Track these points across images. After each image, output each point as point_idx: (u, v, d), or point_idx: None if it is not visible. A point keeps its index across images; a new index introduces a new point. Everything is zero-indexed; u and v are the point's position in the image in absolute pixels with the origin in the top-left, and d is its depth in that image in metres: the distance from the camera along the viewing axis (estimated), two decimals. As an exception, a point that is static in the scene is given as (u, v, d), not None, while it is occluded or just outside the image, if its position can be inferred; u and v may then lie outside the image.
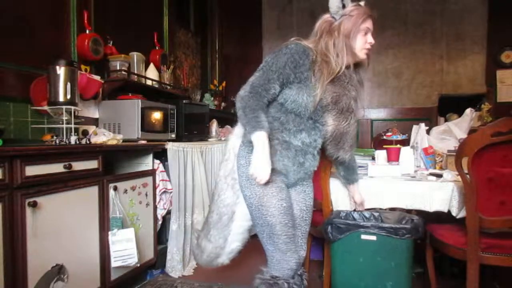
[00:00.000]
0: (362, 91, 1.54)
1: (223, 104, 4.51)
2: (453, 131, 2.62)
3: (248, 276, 2.61)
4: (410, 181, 1.92)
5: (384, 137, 2.60)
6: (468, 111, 2.78)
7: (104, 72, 2.71)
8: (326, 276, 2.07)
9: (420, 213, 1.93)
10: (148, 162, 2.49)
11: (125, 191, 2.22)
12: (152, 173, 2.49)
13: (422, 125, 2.55)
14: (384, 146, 2.28)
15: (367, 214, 1.88)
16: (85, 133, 2.35)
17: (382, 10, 5.03)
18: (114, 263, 2.06)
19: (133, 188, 2.29)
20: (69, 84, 2.05)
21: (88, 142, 2.13)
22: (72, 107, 2.08)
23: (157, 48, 3.35)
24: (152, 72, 3.10)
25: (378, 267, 1.67)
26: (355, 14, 1.39)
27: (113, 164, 2.46)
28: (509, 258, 1.66)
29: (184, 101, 3.13)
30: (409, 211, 1.98)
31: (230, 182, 1.53)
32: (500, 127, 1.55)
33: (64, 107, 2.05)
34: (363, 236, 1.68)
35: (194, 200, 2.84)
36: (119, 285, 2.17)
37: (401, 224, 1.70)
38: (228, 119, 4.61)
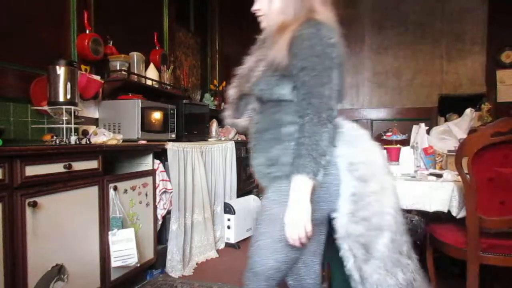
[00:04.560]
0: None
1: (223, 104, 4.51)
2: (453, 131, 2.62)
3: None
4: (410, 181, 1.92)
5: (384, 137, 2.60)
6: (468, 111, 2.77)
7: (104, 72, 2.71)
8: (325, 275, 2.07)
9: (420, 213, 1.93)
10: (148, 162, 2.49)
11: (125, 191, 2.22)
12: (152, 173, 2.49)
13: (422, 125, 2.55)
14: (384, 146, 2.27)
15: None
16: (85, 133, 2.35)
17: (382, 10, 5.04)
18: (114, 263, 2.06)
19: (133, 188, 2.29)
20: (69, 84, 2.05)
21: (88, 142, 2.13)
22: (72, 107, 2.08)
23: (157, 48, 3.35)
24: (152, 72, 3.10)
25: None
26: None
27: (113, 164, 2.46)
28: (509, 258, 1.66)
29: (184, 101, 3.13)
30: (409, 211, 1.98)
31: None
32: (500, 127, 1.55)
33: (64, 107, 2.05)
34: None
35: (194, 200, 2.84)
36: (119, 285, 2.17)
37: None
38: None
